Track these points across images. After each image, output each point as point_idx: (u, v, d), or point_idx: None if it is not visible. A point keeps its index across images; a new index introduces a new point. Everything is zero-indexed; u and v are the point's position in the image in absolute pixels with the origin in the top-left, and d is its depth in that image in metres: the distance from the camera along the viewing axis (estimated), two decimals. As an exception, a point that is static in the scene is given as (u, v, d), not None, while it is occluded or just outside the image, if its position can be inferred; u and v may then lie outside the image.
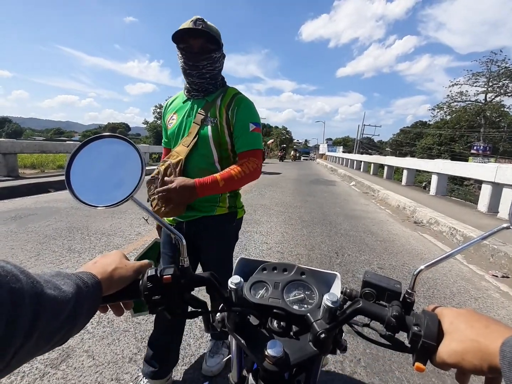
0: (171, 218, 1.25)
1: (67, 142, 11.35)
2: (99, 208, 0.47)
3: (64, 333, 0.33)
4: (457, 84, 32.33)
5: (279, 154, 26.48)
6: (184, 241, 0.50)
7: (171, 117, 1.27)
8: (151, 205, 1.12)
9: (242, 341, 0.48)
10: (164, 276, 0.47)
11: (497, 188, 5.44)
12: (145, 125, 41.28)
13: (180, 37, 1.12)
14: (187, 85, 1.22)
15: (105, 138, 0.52)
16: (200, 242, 1.26)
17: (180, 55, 1.14)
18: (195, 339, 1.76)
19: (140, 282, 0.48)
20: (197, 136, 1.17)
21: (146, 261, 0.51)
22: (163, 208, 1.08)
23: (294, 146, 53.68)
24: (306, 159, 48.14)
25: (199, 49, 1.11)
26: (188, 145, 1.17)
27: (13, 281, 0.27)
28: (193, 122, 1.17)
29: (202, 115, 1.17)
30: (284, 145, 31.50)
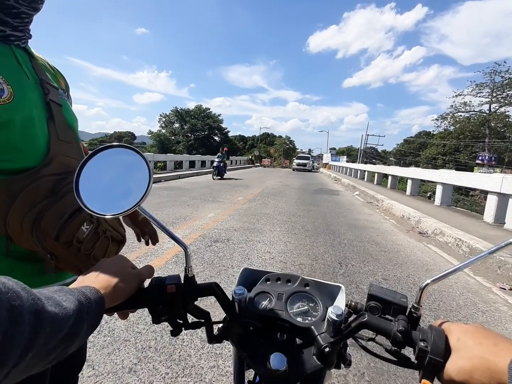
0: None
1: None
2: (106, 216, 0.48)
3: (61, 351, 0.32)
4: (460, 95, 32.47)
5: None
6: (188, 250, 0.50)
7: None
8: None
9: (245, 353, 0.47)
10: (168, 286, 0.46)
11: (503, 198, 5.38)
12: (149, 135, 42.03)
13: None
14: None
15: (114, 148, 0.53)
16: None
17: None
18: (196, 349, 1.73)
19: (144, 291, 0.47)
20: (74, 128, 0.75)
21: (149, 267, 0.50)
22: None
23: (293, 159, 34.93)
24: (302, 170, 27.21)
25: None
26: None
27: (14, 298, 0.26)
28: (51, 99, 0.65)
29: (52, 85, 0.67)
30: None
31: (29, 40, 0.65)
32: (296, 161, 29.11)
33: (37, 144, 0.61)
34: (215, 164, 13.23)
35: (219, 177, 13.23)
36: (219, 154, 13.59)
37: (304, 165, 27.80)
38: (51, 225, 0.60)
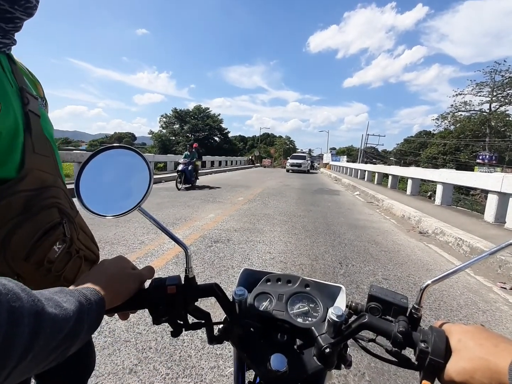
0: None
1: (74, 151, 11.52)
2: (107, 217, 0.48)
3: (61, 352, 0.32)
4: (461, 94, 32.43)
5: None
6: (189, 251, 0.50)
7: None
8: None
9: (245, 354, 0.47)
10: (169, 287, 0.46)
11: (504, 198, 5.38)
12: (150, 135, 42.21)
13: None
14: None
15: (115, 149, 0.53)
16: None
17: None
18: (196, 350, 1.73)
19: (145, 292, 0.47)
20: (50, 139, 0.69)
21: (149, 268, 0.50)
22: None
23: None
24: (297, 171, 23.28)
25: None
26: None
27: (14, 300, 0.26)
28: (30, 110, 0.61)
29: (32, 94, 0.64)
30: None
31: (12, 46, 0.62)
32: (289, 161, 24.51)
33: (13, 157, 0.56)
34: (180, 167, 9.02)
35: (188, 185, 9.39)
36: (186, 153, 9.69)
37: (299, 165, 23.40)
38: (22, 244, 0.55)
